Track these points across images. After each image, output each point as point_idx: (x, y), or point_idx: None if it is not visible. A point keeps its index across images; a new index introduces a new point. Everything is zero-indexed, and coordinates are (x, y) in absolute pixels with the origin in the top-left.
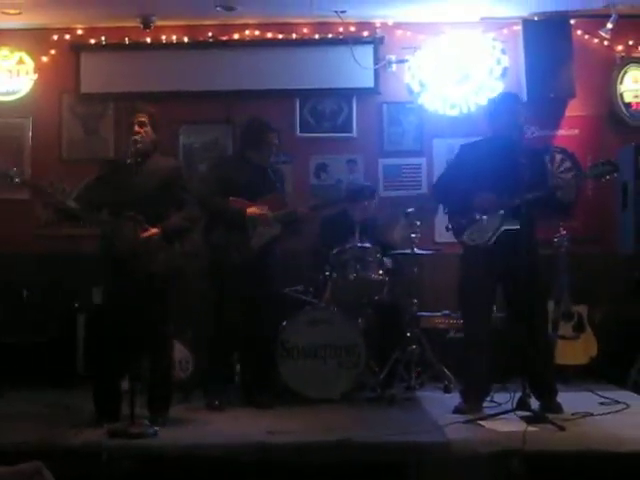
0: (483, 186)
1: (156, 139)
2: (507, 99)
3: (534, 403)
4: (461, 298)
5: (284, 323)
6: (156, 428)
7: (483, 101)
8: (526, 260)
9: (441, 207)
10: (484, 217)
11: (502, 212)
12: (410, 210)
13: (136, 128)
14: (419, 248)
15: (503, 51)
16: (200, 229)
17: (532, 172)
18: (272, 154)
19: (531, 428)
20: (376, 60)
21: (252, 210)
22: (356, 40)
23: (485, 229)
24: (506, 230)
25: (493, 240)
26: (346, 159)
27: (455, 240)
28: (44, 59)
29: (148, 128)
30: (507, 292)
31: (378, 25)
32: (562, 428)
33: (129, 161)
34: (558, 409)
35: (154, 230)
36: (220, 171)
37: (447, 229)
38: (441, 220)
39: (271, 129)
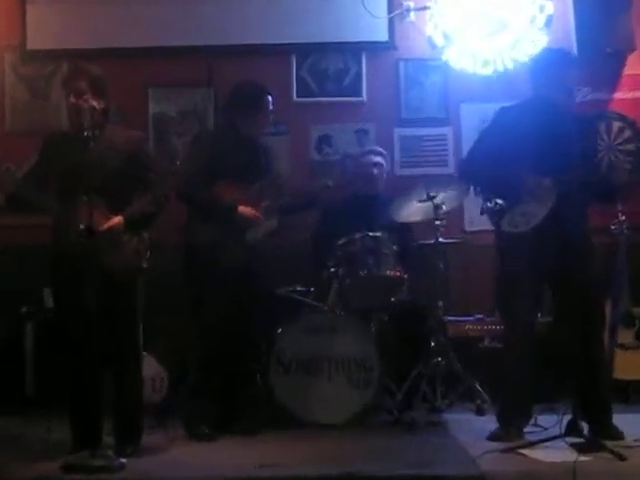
0: (525, 160)
1: (106, 108)
2: (553, 55)
3: (587, 427)
4: (499, 299)
5: (279, 331)
6: (123, 460)
7: (522, 57)
8: (579, 253)
9: (472, 187)
10: (529, 199)
11: (551, 193)
12: (433, 191)
13: (71, 99)
14: (445, 238)
15: None
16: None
17: (583, 144)
18: (269, 125)
19: (584, 458)
20: (391, 7)
21: (244, 210)
22: None
23: (530, 213)
24: (556, 215)
25: (541, 225)
26: (354, 129)
27: (491, 227)
28: None
29: (88, 96)
30: (555, 292)
31: None
32: (622, 457)
33: (86, 133)
34: (617, 434)
35: (115, 219)
36: (203, 149)
37: (482, 212)
38: (472, 203)
39: (268, 92)
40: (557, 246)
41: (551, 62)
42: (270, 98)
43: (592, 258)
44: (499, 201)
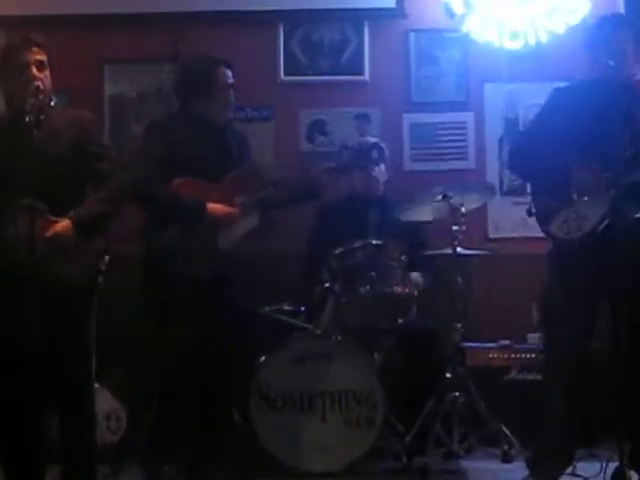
0: (584, 152)
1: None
2: (609, 22)
3: (637, 478)
4: (544, 318)
5: (262, 359)
6: None
7: (559, 29)
8: None
9: (498, 188)
10: (585, 198)
11: (612, 192)
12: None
13: (35, 72)
14: (465, 247)
15: None
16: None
17: None
18: (230, 104)
19: None
20: None
21: (214, 208)
22: None
23: (586, 216)
24: (616, 219)
25: (597, 231)
26: (354, 114)
27: (520, 234)
28: None
29: (47, 71)
30: (615, 311)
31: None
32: None
33: (28, 118)
34: None
35: (63, 223)
36: (158, 139)
37: (529, 213)
38: (498, 205)
39: (224, 64)
40: (619, 255)
41: (611, 33)
42: (227, 71)
43: None
44: (550, 201)
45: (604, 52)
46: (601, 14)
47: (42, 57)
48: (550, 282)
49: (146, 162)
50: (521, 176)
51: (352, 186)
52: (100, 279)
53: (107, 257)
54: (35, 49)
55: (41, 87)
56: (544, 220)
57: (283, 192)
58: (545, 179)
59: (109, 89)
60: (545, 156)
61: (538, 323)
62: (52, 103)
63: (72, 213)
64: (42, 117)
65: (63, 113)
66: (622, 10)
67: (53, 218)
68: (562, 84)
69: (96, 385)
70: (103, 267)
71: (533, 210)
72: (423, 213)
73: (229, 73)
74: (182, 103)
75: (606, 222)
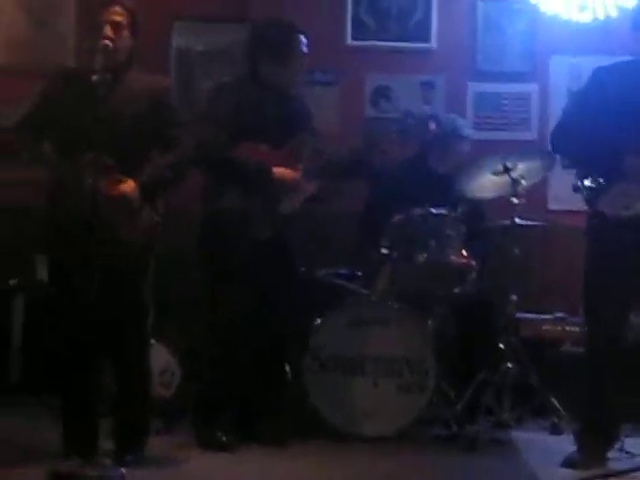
0: (629, 131)
1: (134, 47)
2: None
3: None
4: (587, 295)
5: (317, 322)
6: (122, 470)
7: (629, 2)
8: None
9: (559, 160)
10: (632, 177)
11: None
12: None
13: (107, 31)
14: (523, 218)
15: None
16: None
17: None
18: (302, 72)
19: None
20: None
21: (280, 172)
22: None
23: (634, 195)
24: None
25: None
26: (419, 81)
27: (582, 207)
28: None
29: (126, 32)
30: None
31: None
32: None
33: (95, 78)
34: None
35: (129, 183)
36: (223, 103)
37: (575, 189)
38: (558, 176)
39: (299, 32)
40: None
41: None
42: (304, 39)
43: None
44: (598, 179)
45: None
46: None
47: (120, 18)
48: (592, 261)
49: (213, 126)
50: (566, 157)
51: (414, 151)
52: (157, 238)
53: (162, 218)
54: (115, 8)
55: (110, 47)
56: (592, 197)
57: (337, 163)
58: (593, 158)
59: (176, 43)
60: (591, 137)
61: (580, 299)
62: (131, 63)
63: (138, 174)
64: (110, 77)
65: (140, 76)
66: None
67: (119, 176)
68: (628, 58)
69: (152, 341)
70: (159, 228)
71: (580, 186)
72: (485, 187)
73: (305, 41)
74: (253, 66)
75: None
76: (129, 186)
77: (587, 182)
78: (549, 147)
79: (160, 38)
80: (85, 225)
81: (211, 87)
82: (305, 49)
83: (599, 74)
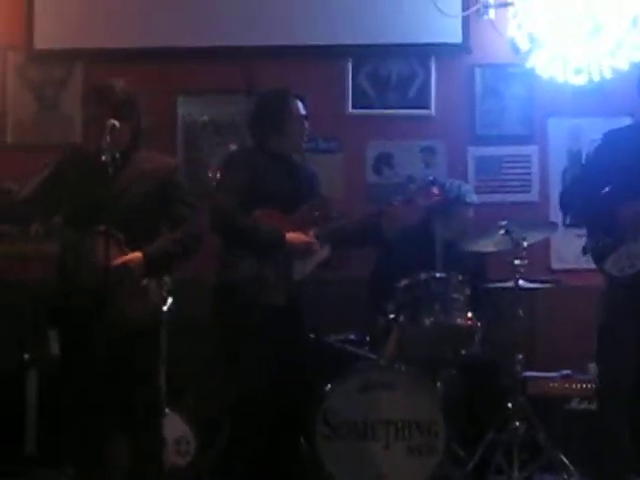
0: (634, 193)
1: (139, 129)
2: None
3: None
4: (600, 353)
5: (327, 387)
6: None
7: (623, 65)
8: None
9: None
10: (636, 237)
11: None
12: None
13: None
14: (527, 279)
15: None
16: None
17: None
18: (304, 134)
19: None
20: (466, 4)
21: (294, 238)
22: None
23: (637, 255)
24: None
25: None
26: (420, 147)
27: (583, 265)
28: None
29: (118, 128)
30: None
31: None
32: None
33: (104, 157)
34: None
35: (134, 254)
36: (239, 171)
37: (584, 251)
38: (561, 236)
39: (295, 97)
40: None
41: None
42: (299, 103)
43: None
44: (606, 239)
45: None
46: None
47: (116, 109)
48: (603, 318)
49: (229, 194)
50: (572, 217)
51: (419, 218)
52: (165, 310)
53: (170, 290)
54: (107, 103)
55: (115, 126)
56: (599, 258)
57: (348, 227)
58: (599, 218)
59: (182, 114)
60: (594, 197)
61: (593, 356)
62: (137, 142)
63: (145, 247)
64: (117, 156)
65: (149, 155)
66: None
67: (126, 249)
68: (626, 119)
69: (167, 410)
70: (167, 299)
71: (588, 248)
72: (486, 245)
73: (300, 104)
74: (257, 137)
75: None
76: (134, 257)
77: (595, 243)
78: (558, 207)
79: (166, 112)
80: (94, 298)
81: (225, 157)
82: (302, 112)
83: (607, 138)
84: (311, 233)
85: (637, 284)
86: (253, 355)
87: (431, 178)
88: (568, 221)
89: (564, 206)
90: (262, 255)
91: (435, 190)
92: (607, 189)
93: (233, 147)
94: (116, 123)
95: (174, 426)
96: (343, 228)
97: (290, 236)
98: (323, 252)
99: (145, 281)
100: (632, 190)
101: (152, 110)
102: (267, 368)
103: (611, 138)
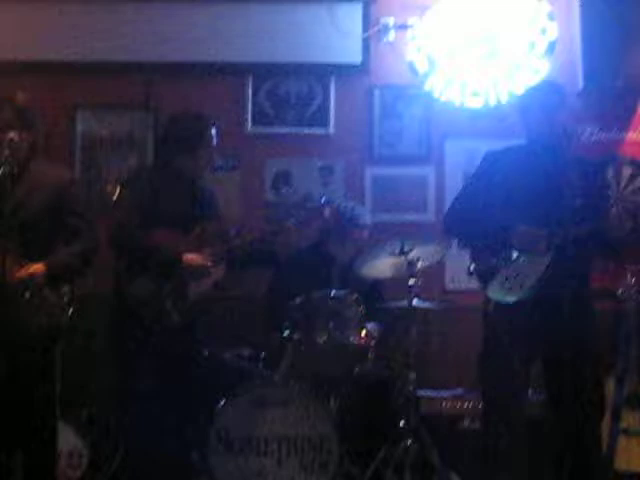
0: (517, 212)
1: (37, 141)
2: (541, 90)
3: None
4: (482, 374)
5: (221, 404)
6: None
7: (519, 89)
8: (575, 321)
9: (456, 242)
10: (522, 257)
11: (548, 251)
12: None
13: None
14: (421, 299)
15: (550, 16)
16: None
17: (586, 192)
18: (211, 161)
19: None
20: (366, 25)
21: (190, 259)
22: None
23: (524, 275)
24: (551, 276)
25: (534, 290)
26: (318, 166)
27: (479, 288)
28: None
29: (13, 134)
30: (548, 367)
31: None
32: None
33: (1, 170)
34: None
35: (36, 265)
36: (138, 191)
37: (470, 272)
38: (455, 257)
39: (211, 124)
40: (550, 313)
41: (539, 98)
42: (213, 131)
43: (591, 327)
44: (491, 260)
45: (532, 120)
46: (557, 77)
47: (20, 116)
48: (487, 341)
49: (128, 212)
50: (458, 238)
51: (312, 238)
52: (65, 323)
53: (71, 309)
54: (11, 108)
55: (13, 141)
56: (485, 278)
57: (247, 246)
58: (483, 240)
59: (81, 132)
60: (481, 218)
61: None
62: (33, 155)
63: (45, 260)
64: (15, 170)
65: (44, 167)
66: (580, 72)
67: (25, 261)
68: (521, 142)
69: (60, 423)
70: (67, 312)
71: (473, 269)
72: (382, 269)
73: (214, 133)
74: (164, 156)
75: (542, 280)
76: (36, 268)
77: (474, 266)
78: (443, 229)
79: (64, 126)
80: None
81: (129, 174)
82: (214, 140)
83: (487, 158)
84: (207, 253)
85: (520, 306)
86: (147, 373)
87: (323, 200)
88: (457, 242)
89: (450, 227)
90: (158, 274)
91: (326, 212)
92: (487, 210)
93: (131, 162)
94: (14, 136)
95: (67, 439)
96: (238, 248)
97: (187, 257)
98: (218, 272)
99: (46, 292)
100: (511, 211)
101: (50, 123)
102: (157, 386)
103: (491, 159)
